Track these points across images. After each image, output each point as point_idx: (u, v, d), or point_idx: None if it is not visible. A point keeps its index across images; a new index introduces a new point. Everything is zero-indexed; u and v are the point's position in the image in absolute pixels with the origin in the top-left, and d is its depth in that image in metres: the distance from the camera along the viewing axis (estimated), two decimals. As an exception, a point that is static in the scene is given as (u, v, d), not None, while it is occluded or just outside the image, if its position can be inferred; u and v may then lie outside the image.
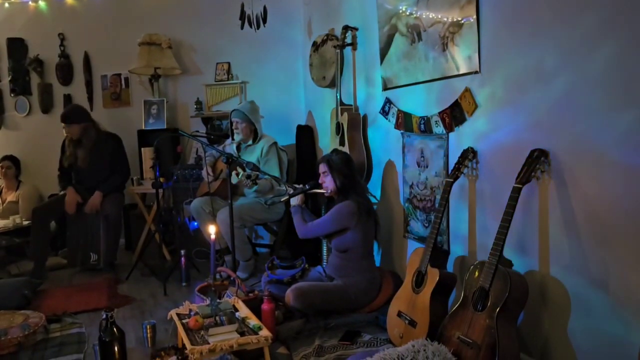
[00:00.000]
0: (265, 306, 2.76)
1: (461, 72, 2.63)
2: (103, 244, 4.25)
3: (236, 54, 5.04)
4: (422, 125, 2.97)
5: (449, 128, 2.76)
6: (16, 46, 5.03)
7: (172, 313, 2.62)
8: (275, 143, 4.07)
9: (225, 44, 5.03)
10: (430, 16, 2.84)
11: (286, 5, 4.95)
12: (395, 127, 3.28)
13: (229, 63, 5.05)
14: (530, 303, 2.17)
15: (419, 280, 2.58)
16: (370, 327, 2.86)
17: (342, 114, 3.72)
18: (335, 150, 3.33)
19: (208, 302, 2.57)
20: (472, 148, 2.57)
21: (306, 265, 3.28)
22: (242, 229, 3.91)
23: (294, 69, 5.05)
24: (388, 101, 3.35)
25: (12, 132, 5.16)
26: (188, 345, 2.22)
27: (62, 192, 4.27)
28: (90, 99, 5.11)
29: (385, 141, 3.50)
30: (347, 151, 3.58)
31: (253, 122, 4.02)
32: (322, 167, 3.14)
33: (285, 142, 4.58)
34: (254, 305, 2.74)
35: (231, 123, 4.09)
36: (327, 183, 3.13)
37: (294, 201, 3.27)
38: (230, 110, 4.15)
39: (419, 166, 3.09)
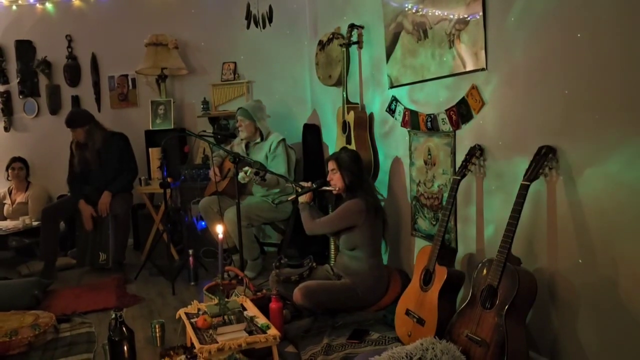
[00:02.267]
0: (273, 305, 2.77)
1: (468, 69, 2.62)
2: (112, 243, 4.27)
3: (242, 54, 5.05)
4: (429, 123, 2.96)
5: (456, 125, 2.75)
6: (24, 48, 5.07)
7: (181, 312, 2.63)
8: (283, 140, 4.09)
9: (231, 43, 5.04)
10: (436, 13, 2.83)
11: (292, 5, 4.95)
12: (401, 125, 3.27)
13: (235, 63, 5.06)
14: (539, 301, 2.16)
15: (427, 278, 2.58)
16: (378, 326, 2.86)
17: (348, 113, 3.72)
18: (344, 148, 3.33)
19: (216, 301, 2.58)
20: (479, 145, 2.56)
21: (314, 264, 3.28)
22: (250, 228, 3.92)
23: (300, 68, 5.05)
24: (394, 99, 3.34)
25: (21, 134, 5.20)
26: (197, 344, 2.23)
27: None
28: (98, 100, 5.14)
29: (392, 139, 3.49)
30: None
31: (256, 120, 4.04)
32: (331, 165, 3.15)
33: (292, 141, 4.59)
34: (262, 304, 2.74)
35: (237, 121, 4.13)
36: (336, 180, 3.13)
37: (302, 198, 3.27)
38: (236, 109, 4.18)
39: (425, 164, 3.08)
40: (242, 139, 4.18)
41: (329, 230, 3.14)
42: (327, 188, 3.22)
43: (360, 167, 3.16)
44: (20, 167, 4.84)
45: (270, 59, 5.04)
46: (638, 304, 1.86)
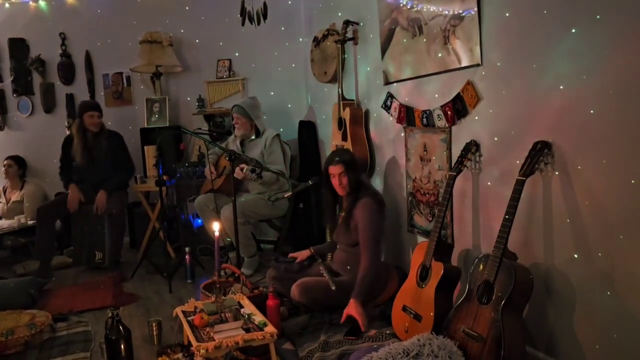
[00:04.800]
0: (270, 302, 2.77)
1: (463, 65, 2.62)
2: (108, 242, 4.26)
3: (237, 51, 5.04)
4: (425, 119, 2.96)
5: (452, 121, 2.75)
6: (17, 46, 5.04)
7: (178, 310, 2.62)
8: (278, 135, 4.10)
9: (226, 40, 5.02)
10: (431, 9, 2.83)
11: (286, 1, 4.93)
12: (397, 122, 3.27)
13: (230, 60, 5.04)
14: (535, 296, 2.17)
15: (424, 274, 2.58)
16: (375, 322, 2.86)
17: (344, 109, 3.71)
18: (341, 150, 3.31)
19: (213, 299, 2.58)
20: (474, 141, 2.57)
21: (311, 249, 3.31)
22: (246, 226, 3.92)
23: (295, 64, 5.03)
24: (390, 95, 3.34)
25: (16, 133, 5.17)
26: (194, 342, 2.23)
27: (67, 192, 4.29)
28: (93, 97, 5.10)
29: (387, 136, 3.49)
30: (350, 146, 3.58)
31: (252, 118, 4.03)
32: (338, 169, 3.04)
33: (288, 138, 4.58)
34: (259, 302, 2.75)
35: (232, 118, 4.12)
36: (345, 183, 3.06)
37: (357, 307, 2.81)
38: (231, 106, 4.17)
39: (421, 160, 3.09)
40: (236, 136, 4.17)
41: (378, 243, 3.01)
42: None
43: (360, 165, 3.17)
44: (9, 165, 4.81)
45: (265, 55, 5.02)
46: (633, 298, 1.87)
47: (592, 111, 1.95)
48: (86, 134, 4.25)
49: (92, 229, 4.28)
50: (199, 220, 4.31)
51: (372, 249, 2.95)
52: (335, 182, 3.09)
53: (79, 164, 4.27)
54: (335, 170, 3.06)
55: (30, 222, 4.53)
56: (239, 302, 2.63)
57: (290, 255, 3.32)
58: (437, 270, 2.50)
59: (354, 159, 3.13)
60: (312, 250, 3.32)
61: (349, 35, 3.72)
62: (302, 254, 3.29)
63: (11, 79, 5.06)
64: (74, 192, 4.22)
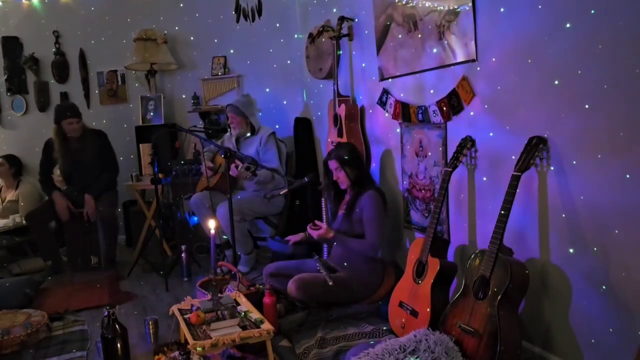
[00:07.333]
0: (266, 299, 2.77)
1: (458, 60, 2.62)
2: (102, 244, 4.24)
3: (232, 48, 5.02)
4: (420, 115, 2.96)
5: (447, 117, 2.75)
6: (11, 45, 5.01)
7: (174, 308, 2.62)
8: (273, 133, 4.09)
9: (221, 37, 5.00)
10: (426, 5, 2.82)
11: (281, -2, 4.92)
12: (392, 118, 3.27)
13: (225, 57, 5.03)
14: (531, 291, 2.17)
15: (420, 270, 2.58)
16: (372, 318, 2.87)
17: (339, 106, 3.70)
18: (339, 145, 3.31)
19: (209, 296, 2.58)
20: (470, 137, 2.56)
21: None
22: (243, 223, 3.91)
23: (291, 61, 5.02)
24: (385, 91, 3.33)
25: (10, 132, 5.15)
26: (190, 340, 2.23)
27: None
28: (87, 96, 5.09)
29: (383, 132, 3.49)
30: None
31: (247, 116, 4.02)
32: (333, 164, 3.11)
33: (283, 135, 4.57)
34: (256, 299, 2.75)
35: (227, 117, 4.11)
36: (342, 178, 3.10)
37: (328, 233, 3.05)
38: (226, 104, 4.16)
39: (417, 156, 3.09)
40: (232, 135, 4.16)
41: (381, 235, 3.02)
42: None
43: (361, 158, 3.18)
44: (1, 163, 4.78)
45: (260, 52, 5.01)
46: (629, 293, 1.88)
47: (587, 106, 1.95)
48: (68, 139, 4.15)
49: (85, 234, 4.24)
50: (195, 218, 4.30)
51: (376, 236, 2.96)
52: (335, 176, 3.15)
53: (64, 169, 4.21)
54: (331, 165, 3.14)
55: (25, 222, 4.50)
56: (235, 300, 2.63)
57: (287, 238, 3.32)
58: (434, 266, 2.50)
59: (351, 155, 3.11)
60: (307, 234, 3.31)
61: (344, 31, 3.72)
62: (297, 237, 3.29)
63: (5, 77, 5.04)
64: (60, 200, 4.13)
